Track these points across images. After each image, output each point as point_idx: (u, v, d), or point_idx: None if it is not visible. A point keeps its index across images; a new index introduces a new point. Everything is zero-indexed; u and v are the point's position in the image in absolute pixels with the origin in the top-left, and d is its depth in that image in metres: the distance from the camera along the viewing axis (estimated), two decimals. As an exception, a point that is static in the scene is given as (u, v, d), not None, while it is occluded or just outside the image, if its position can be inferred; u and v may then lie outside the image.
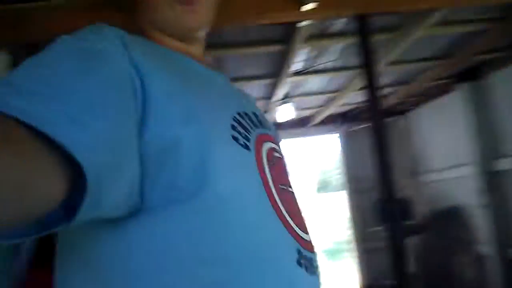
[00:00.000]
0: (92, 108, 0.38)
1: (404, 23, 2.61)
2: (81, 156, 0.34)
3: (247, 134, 0.56)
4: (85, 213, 0.36)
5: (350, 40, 2.64)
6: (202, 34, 0.67)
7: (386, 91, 4.19)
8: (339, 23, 2.55)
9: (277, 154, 0.62)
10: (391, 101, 4.50)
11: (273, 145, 0.62)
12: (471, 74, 3.85)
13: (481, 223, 3.86)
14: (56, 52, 0.44)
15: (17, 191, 0.31)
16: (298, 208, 0.60)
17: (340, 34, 2.66)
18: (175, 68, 0.56)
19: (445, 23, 2.67)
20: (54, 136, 0.33)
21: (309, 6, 1.95)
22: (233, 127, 0.54)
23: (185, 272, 0.45)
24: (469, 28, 2.85)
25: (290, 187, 0.61)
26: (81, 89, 0.39)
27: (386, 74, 3.61)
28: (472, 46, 3.19)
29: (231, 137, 0.53)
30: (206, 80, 0.63)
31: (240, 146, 0.53)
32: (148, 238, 0.46)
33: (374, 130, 2.12)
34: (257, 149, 0.56)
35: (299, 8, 1.94)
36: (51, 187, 0.34)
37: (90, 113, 0.38)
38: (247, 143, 0.55)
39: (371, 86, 2.14)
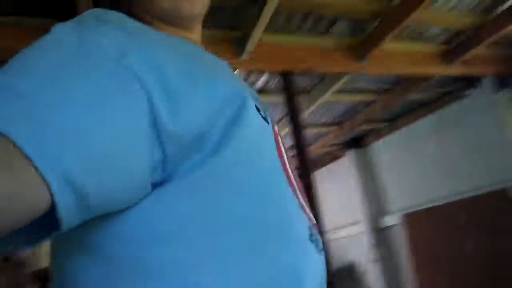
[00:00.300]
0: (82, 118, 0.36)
1: (313, 87, 2.96)
2: (48, 172, 0.32)
3: (264, 110, 0.57)
4: (76, 219, 0.36)
5: (272, 98, 2.87)
6: (200, 19, 0.67)
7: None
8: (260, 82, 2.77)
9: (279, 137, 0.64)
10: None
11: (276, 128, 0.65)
12: (358, 141, 4.44)
13: (373, 277, 4.18)
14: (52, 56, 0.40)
15: (4, 201, 0.31)
16: (303, 190, 0.61)
17: (261, 91, 2.87)
18: (189, 53, 0.55)
19: (347, 91, 3.11)
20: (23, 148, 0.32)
21: (244, 56, 2.11)
22: (255, 99, 0.55)
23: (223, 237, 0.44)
24: (361, 98, 3.36)
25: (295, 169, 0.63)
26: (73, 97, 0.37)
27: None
28: (362, 115, 3.74)
29: (255, 107, 0.52)
30: (217, 63, 0.63)
31: (261, 118, 0.53)
32: (170, 209, 0.44)
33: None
34: (272, 125, 0.57)
35: (236, 57, 2.08)
36: (36, 197, 0.33)
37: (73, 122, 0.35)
38: (266, 117, 0.55)
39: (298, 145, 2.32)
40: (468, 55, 2.62)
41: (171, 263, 0.43)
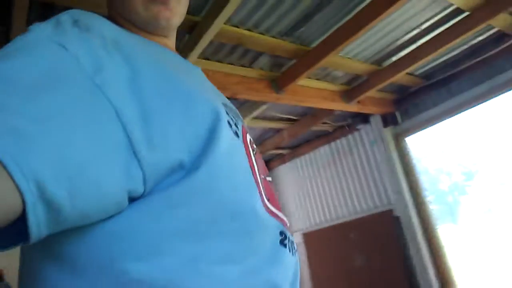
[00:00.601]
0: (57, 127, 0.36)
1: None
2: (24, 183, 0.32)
3: (236, 122, 0.57)
4: (46, 229, 0.35)
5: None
6: (176, 27, 0.66)
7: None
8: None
9: (254, 146, 0.64)
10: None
11: (250, 137, 0.64)
12: (266, 165, 4.74)
13: None
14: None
15: None
16: (276, 196, 0.63)
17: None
18: (167, 61, 0.55)
19: (260, 118, 3.40)
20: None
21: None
22: (227, 113, 0.55)
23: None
24: (273, 125, 3.68)
25: (268, 176, 0.65)
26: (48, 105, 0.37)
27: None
28: (271, 141, 4.07)
29: (227, 122, 0.53)
30: (190, 70, 0.63)
31: (232, 133, 0.54)
32: (150, 219, 0.43)
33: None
34: (244, 138, 0.58)
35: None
36: (9, 201, 0.32)
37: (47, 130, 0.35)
38: (237, 131, 0.56)
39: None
40: (362, 96, 3.11)
41: (149, 279, 0.41)
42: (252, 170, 0.55)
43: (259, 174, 0.58)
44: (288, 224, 0.60)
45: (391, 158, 3.49)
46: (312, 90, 2.92)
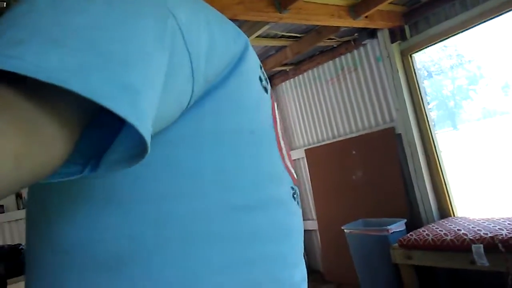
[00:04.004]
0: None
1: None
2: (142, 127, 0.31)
3: (266, 78, 0.59)
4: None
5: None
6: None
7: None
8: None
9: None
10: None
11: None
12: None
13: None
14: None
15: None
16: (288, 150, 0.65)
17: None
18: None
19: (262, 36, 3.25)
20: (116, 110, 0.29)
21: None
22: (260, 67, 0.58)
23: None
24: (275, 43, 3.55)
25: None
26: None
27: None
28: (273, 58, 3.96)
29: (258, 76, 0.55)
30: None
31: (262, 88, 0.56)
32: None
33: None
34: (271, 94, 0.59)
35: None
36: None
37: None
38: (267, 87, 0.58)
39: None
40: (371, 10, 2.93)
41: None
42: (274, 125, 0.57)
43: (280, 130, 0.60)
44: (295, 179, 0.63)
45: (397, 75, 3.42)
46: (317, 7, 2.75)
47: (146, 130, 0.31)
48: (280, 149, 0.57)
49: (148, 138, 0.31)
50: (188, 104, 0.44)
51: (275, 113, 0.59)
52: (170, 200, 0.45)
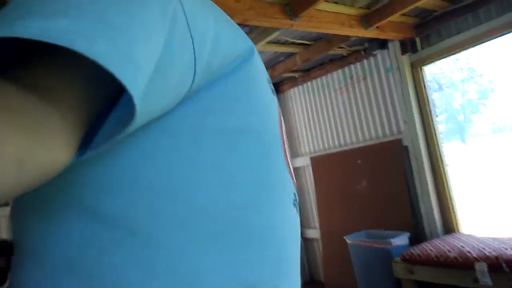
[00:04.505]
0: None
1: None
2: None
3: (273, 88, 0.60)
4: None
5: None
6: None
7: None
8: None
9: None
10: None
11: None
12: (276, 88, 4.68)
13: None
14: None
15: None
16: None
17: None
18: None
19: (273, 42, 3.25)
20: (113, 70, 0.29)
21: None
22: (266, 69, 0.65)
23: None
24: (285, 49, 3.54)
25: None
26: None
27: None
28: (282, 65, 3.95)
29: (266, 80, 0.57)
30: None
31: (270, 90, 0.57)
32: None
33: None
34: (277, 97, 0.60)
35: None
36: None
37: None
38: (273, 89, 0.59)
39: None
40: (383, 21, 2.92)
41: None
42: (280, 130, 0.57)
43: (285, 134, 0.60)
44: (296, 185, 0.63)
45: (406, 87, 3.39)
46: (329, 15, 2.74)
47: (140, 100, 0.31)
48: (286, 154, 0.57)
49: (139, 109, 0.32)
50: (190, 88, 0.44)
51: (280, 118, 0.59)
52: (167, 192, 0.44)
